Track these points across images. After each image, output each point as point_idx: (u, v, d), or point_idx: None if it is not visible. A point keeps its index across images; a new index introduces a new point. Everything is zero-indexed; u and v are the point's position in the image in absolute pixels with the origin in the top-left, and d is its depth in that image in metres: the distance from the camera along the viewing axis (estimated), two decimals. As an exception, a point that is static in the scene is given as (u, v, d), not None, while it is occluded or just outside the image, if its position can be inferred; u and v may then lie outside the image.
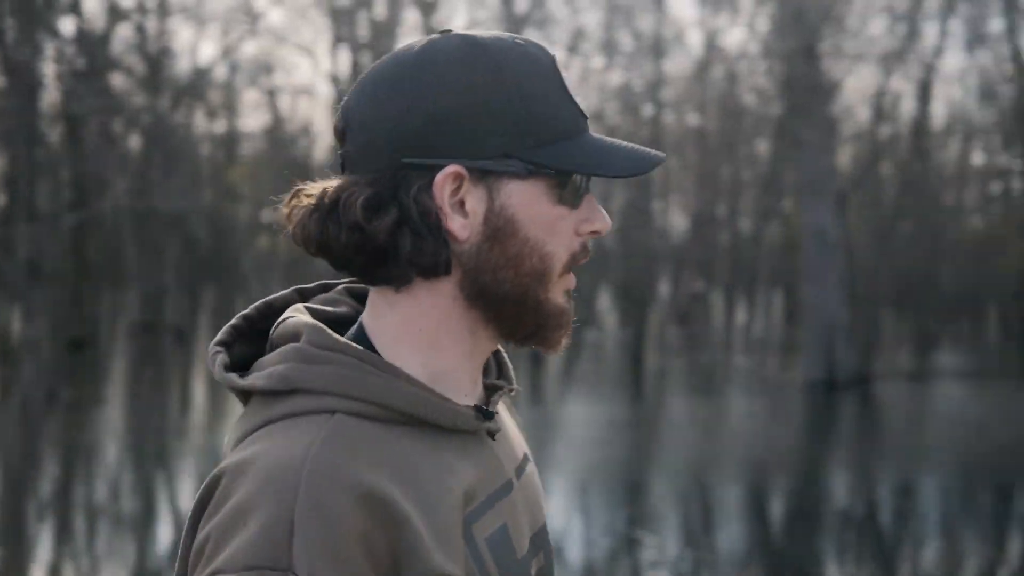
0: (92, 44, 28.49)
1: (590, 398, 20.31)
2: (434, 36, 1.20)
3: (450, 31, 1.21)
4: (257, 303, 1.29)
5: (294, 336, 1.19)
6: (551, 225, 1.18)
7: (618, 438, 15.67)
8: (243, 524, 1.05)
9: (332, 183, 1.20)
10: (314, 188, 1.21)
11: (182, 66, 33.29)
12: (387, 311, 1.20)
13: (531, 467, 1.34)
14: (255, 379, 1.16)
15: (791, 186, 29.33)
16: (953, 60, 66.66)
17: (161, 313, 32.41)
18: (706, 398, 20.38)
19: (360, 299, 1.30)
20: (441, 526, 1.11)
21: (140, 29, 30.57)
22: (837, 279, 22.27)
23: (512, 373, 1.34)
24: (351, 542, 1.05)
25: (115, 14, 29.51)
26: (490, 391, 1.30)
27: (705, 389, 21.77)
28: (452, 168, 1.15)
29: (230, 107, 38.83)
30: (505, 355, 1.36)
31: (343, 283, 1.32)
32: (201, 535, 1.10)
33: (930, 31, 35.88)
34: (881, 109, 28.70)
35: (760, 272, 35.91)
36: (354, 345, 1.17)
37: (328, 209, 1.17)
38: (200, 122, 37.11)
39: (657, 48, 31.58)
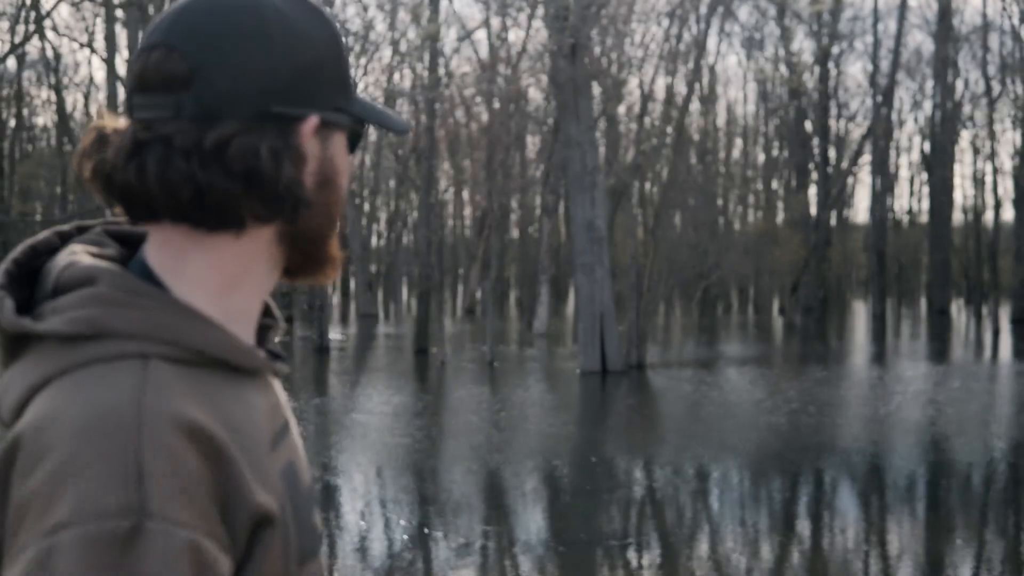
0: None
1: (378, 388, 20.62)
2: None
3: None
4: (20, 247, 1.23)
5: (87, 280, 1.14)
6: (345, 175, 1.27)
7: (406, 426, 16.09)
8: (78, 476, 1.01)
9: (172, 125, 1.15)
10: (118, 124, 1.19)
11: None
12: (192, 253, 1.17)
13: (293, 422, 1.35)
14: (54, 323, 1.11)
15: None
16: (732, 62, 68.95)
17: None
18: (491, 388, 20.86)
19: (121, 240, 1.27)
20: (257, 463, 1.12)
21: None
22: (605, 271, 23.07)
23: (277, 311, 1.35)
24: (196, 481, 1.04)
25: None
26: (262, 331, 1.32)
27: (490, 379, 22.29)
28: (314, 118, 1.20)
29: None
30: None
31: (98, 223, 1.28)
32: (18, 497, 1.04)
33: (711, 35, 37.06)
34: (664, 110, 29.57)
35: (541, 265, 36.63)
36: (158, 289, 1.15)
37: (211, 153, 1.14)
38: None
39: (438, 48, 31.93)
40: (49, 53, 40.60)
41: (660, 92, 32.17)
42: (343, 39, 1.25)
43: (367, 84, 36.40)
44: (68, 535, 0.98)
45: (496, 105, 32.09)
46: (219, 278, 1.18)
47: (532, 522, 10.85)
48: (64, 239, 1.25)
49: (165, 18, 1.18)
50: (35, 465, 1.03)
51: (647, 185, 38.59)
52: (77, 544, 0.98)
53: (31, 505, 1.01)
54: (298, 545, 1.18)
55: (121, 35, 31.31)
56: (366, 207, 60.20)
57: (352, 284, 51.80)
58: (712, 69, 50.00)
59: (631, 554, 9.65)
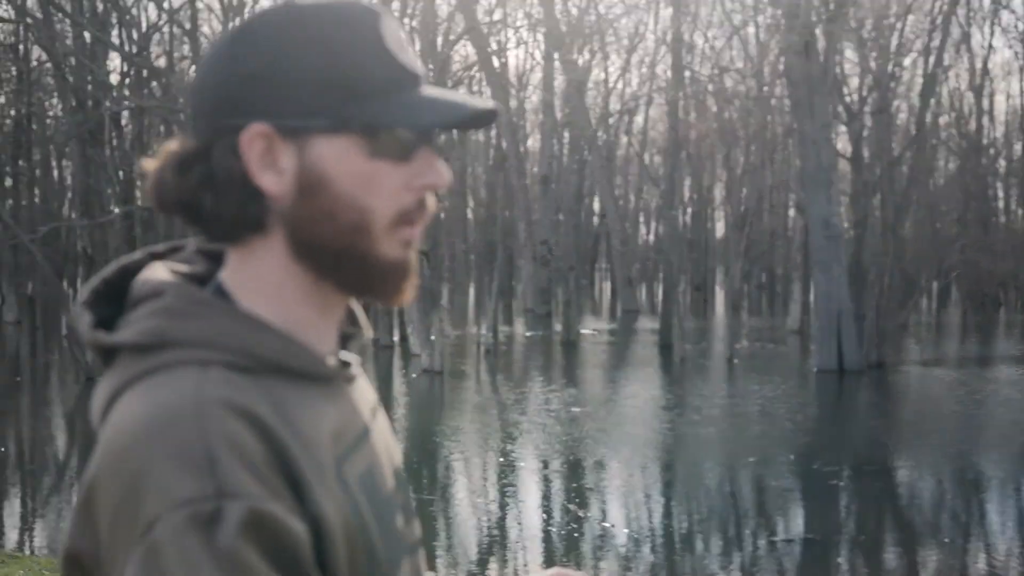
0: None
1: (606, 382, 21.14)
2: (267, 7, 1.24)
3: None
4: (112, 266, 1.29)
5: (156, 293, 1.20)
6: (368, 180, 1.19)
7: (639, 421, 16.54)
8: (154, 475, 1.05)
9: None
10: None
11: None
12: (240, 266, 1.22)
13: (381, 411, 1.37)
14: (124, 335, 1.18)
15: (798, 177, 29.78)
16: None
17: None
18: (725, 384, 21.09)
19: (212, 259, 1.31)
20: (317, 466, 1.14)
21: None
22: (843, 269, 22.90)
23: (364, 321, 1.38)
24: (261, 461, 1.07)
25: None
26: (344, 339, 1.34)
27: (726, 376, 22.52)
28: (256, 127, 1.17)
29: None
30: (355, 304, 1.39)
31: (194, 244, 1.33)
32: (106, 514, 1.08)
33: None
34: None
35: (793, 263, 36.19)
36: (217, 299, 1.20)
37: (160, 170, 1.22)
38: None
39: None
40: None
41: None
42: (363, 36, 1.20)
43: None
44: (161, 529, 1.02)
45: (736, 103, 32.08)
46: (266, 293, 1.21)
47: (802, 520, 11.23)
48: (156, 259, 1.31)
49: None
50: (113, 478, 1.08)
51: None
52: (173, 535, 1.02)
53: (120, 516, 1.06)
54: (385, 553, 1.21)
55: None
56: (631, 202, 60.76)
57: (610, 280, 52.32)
58: (985, 63, 48.11)
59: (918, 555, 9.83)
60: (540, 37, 43.19)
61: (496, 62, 37.23)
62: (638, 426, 16.09)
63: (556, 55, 37.85)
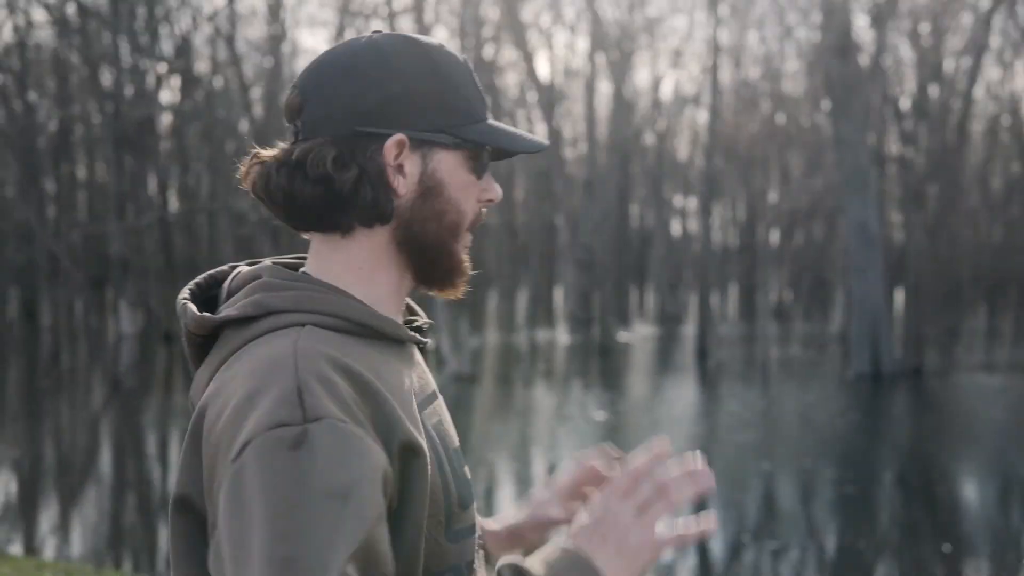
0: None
1: (629, 387, 20.93)
2: (376, 33, 1.46)
3: (380, 31, 1.48)
4: (203, 275, 1.51)
5: (254, 276, 1.43)
6: (466, 189, 1.44)
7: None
8: (254, 405, 1.22)
9: (288, 146, 1.43)
10: (271, 151, 1.44)
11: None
12: (331, 255, 1.43)
13: (441, 399, 1.54)
14: (229, 311, 1.38)
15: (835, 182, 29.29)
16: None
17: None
18: (754, 390, 20.83)
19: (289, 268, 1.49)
20: (405, 406, 1.33)
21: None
22: (878, 274, 22.49)
23: (420, 312, 1.58)
24: (348, 399, 1.24)
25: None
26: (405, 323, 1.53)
27: (759, 382, 22.21)
28: (398, 136, 1.39)
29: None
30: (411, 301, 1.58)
31: (268, 261, 1.50)
32: (209, 448, 1.26)
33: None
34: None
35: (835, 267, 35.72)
36: (310, 275, 1.42)
37: (295, 165, 1.40)
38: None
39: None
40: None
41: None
42: (460, 72, 1.45)
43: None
44: (250, 449, 1.18)
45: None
46: (353, 273, 1.42)
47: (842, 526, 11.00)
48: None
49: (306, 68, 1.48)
50: (218, 417, 1.25)
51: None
52: (260, 453, 1.17)
53: (220, 447, 1.23)
54: (457, 491, 1.40)
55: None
56: (677, 206, 60.27)
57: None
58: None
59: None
60: (583, 39, 42.94)
61: (538, 65, 37.00)
62: (657, 432, 15.80)
63: (599, 57, 37.60)
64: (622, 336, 32.09)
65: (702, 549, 9.66)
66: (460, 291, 1.48)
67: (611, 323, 30.18)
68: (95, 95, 30.22)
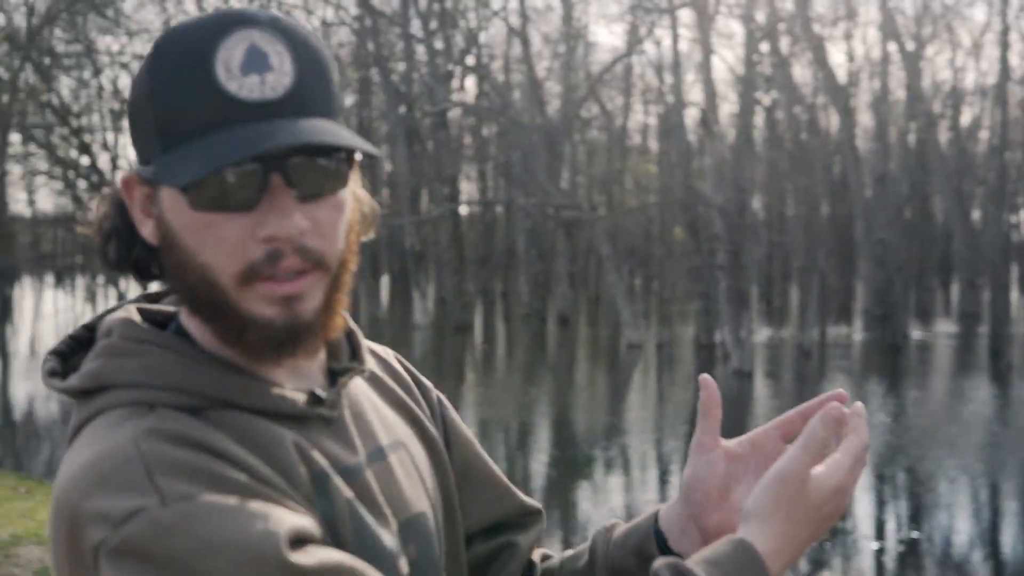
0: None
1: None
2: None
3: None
4: (96, 315, 1.22)
5: (106, 332, 1.15)
6: (198, 233, 1.07)
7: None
8: (92, 505, 0.99)
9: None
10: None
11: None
12: None
13: (401, 456, 1.26)
14: (71, 380, 1.12)
15: None
16: None
17: (546, 300, 34.30)
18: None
19: None
20: (283, 470, 1.08)
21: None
22: None
23: (365, 355, 1.27)
24: (200, 469, 1.01)
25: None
26: (339, 374, 1.23)
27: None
28: (123, 175, 1.12)
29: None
30: (360, 337, 1.28)
31: (133, 306, 1.25)
32: (62, 554, 1.03)
33: None
34: None
35: None
36: (165, 335, 1.13)
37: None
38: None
39: None
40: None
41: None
42: (162, 75, 1.06)
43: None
44: (104, 553, 0.97)
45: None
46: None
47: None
48: (152, 300, 1.26)
49: None
50: (58, 530, 1.03)
51: None
52: (113, 555, 0.97)
53: (73, 561, 1.01)
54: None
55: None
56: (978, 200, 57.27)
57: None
58: None
59: None
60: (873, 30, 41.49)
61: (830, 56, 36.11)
62: (939, 436, 15.24)
63: (893, 46, 36.33)
64: (916, 334, 30.91)
65: None
66: (274, 358, 1.12)
67: (905, 320, 29.05)
68: (388, 92, 31.30)
